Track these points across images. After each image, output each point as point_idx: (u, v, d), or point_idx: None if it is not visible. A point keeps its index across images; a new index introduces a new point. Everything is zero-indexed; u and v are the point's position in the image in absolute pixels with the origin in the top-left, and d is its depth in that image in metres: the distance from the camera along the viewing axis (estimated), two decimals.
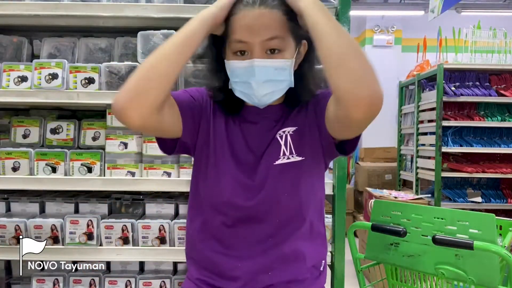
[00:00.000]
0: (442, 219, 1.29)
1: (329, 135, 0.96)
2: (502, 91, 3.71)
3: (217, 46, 1.00)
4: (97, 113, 1.89)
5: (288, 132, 1.01)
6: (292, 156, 0.99)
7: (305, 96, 1.02)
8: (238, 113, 1.03)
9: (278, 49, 0.94)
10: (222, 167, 0.99)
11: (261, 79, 0.93)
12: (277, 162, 0.98)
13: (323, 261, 1.07)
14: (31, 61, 1.61)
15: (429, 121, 3.94)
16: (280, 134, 1.00)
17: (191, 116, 1.00)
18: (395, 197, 3.41)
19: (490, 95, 3.66)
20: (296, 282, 1.00)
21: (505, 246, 1.34)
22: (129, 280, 1.70)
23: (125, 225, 1.62)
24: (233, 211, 0.98)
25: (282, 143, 1.00)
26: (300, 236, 1.00)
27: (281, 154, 0.99)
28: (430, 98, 3.85)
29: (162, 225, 1.63)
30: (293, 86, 0.98)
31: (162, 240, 1.63)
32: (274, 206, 0.98)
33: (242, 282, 0.97)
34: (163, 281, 1.69)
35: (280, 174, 0.98)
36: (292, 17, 0.93)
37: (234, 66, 0.95)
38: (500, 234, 1.46)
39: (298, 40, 0.98)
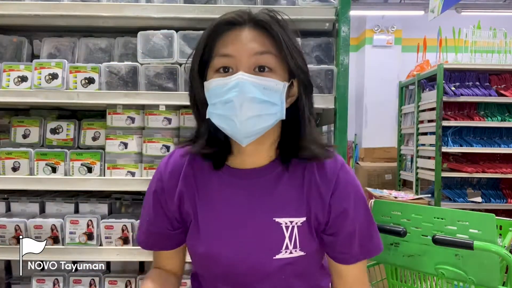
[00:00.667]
0: (442, 219, 1.29)
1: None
2: (502, 91, 3.71)
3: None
4: (97, 113, 1.88)
5: (296, 223, 0.84)
6: (295, 251, 0.84)
7: (305, 151, 0.84)
8: (222, 165, 0.87)
9: (268, 68, 0.80)
10: (208, 245, 0.86)
11: (247, 96, 0.76)
12: (277, 257, 0.83)
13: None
14: (31, 61, 1.61)
15: (429, 121, 3.94)
16: (286, 223, 0.84)
17: (174, 227, 0.91)
18: (395, 197, 3.41)
19: (490, 95, 3.66)
20: None
21: (505, 246, 1.34)
22: (129, 280, 1.70)
23: (125, 225, 1.62)
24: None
25: (287, 235, 0.83)
26: None
27: (284, 247, 0.83)
28: (430, 98, 3.85)
29: None
30: (284, 118, 0.81)
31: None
32: None
33: None
34: None
35: (279, 269, 0.84)
36: (287, 45, 0.80)
37: (214, 84, 0.79)
38: (500, 234, 1.46)
39: (291, 73, 0.83)
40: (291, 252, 0.83)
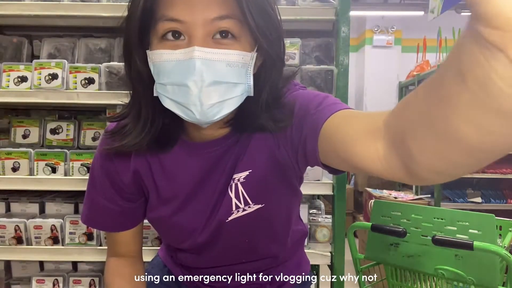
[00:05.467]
0: (442, 219, 1.29)
1: (320, 164, 0.65)
2: None
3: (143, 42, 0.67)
4: (97, 113, 1.88)
5: (238, 180, 0.74)
6: (249, 207, 0.76)
7: (259, 128, 0.71)
8: (170, 147, 0.76)
9: (231, 35, 0.63)
10: (171, 217, 0.81)
11: (206, 80, 0.60)
12: (230, 218, 0.77)
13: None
14: (31, 61, 1.61)
15: None
16: (230, 183, 0.75)
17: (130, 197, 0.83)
18: (395, 198, 3.41)
19: None
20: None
21: (505, 246, 1.34)
22: None
23: None
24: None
25: (233, 195, 0.75)
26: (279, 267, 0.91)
27: (234, 208, 0.76)
28: None
29: None
30: (252, 94, 0.67)
31: (161, 241, 1.63)
32: (234, 259, 0.86)
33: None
34: None
35: (238, 228, 0.78)
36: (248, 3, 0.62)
37: (161, 58, 0.62)
38: (500, 235, 1.46)
39: (257, 40, 0.65)
40: (244, 210, 0.75)
